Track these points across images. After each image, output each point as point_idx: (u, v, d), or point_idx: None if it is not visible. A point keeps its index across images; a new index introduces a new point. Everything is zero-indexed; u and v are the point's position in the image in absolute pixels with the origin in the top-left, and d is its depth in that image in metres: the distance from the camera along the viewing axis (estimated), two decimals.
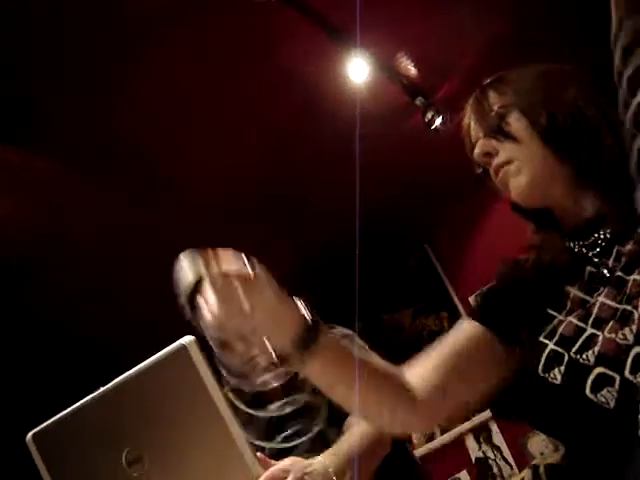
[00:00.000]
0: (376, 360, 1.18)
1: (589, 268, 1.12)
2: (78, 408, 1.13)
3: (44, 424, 1.16)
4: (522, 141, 1.16)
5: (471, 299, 4.37)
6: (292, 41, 3.01)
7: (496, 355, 1.19)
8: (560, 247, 1.18)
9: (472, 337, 1.20)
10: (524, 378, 1.12)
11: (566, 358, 1.03)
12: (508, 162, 1.18)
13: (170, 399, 1.08)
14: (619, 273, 1.05)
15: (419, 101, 3.66)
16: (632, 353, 0.96)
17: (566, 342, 1.05)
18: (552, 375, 1.04)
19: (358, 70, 3.22)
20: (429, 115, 3.67)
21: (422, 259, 4.97)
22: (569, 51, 3.52)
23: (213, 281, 0.96)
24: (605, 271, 1.08)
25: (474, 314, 1.24)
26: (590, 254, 1.13)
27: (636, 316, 0.97)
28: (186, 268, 0.98)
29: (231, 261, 1.00)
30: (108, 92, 2.73)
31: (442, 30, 3.30)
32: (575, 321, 1.06)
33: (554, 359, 1.04)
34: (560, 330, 1.07)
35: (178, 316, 1.03)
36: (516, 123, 1.17)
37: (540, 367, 1.06)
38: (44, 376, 3.80)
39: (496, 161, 1.20)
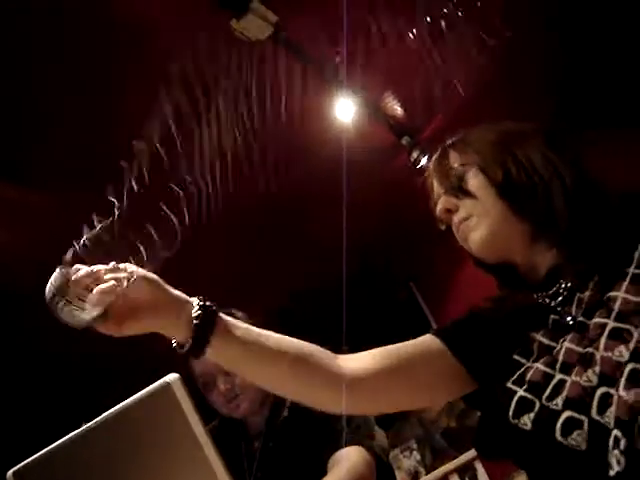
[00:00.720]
0: (290, 339, 1.16)
1: (553, 316, 1.15)
2: (61, 445, 1.12)
3: (25, 461, 1.14)
4: (480, 197, 1.22)
5: None
6: (280, 80, 3.05)
7: (447, 372, 1.22)
8: (524, 298, 1.22)
9: (427, 346, 1.24)
10: (495, 423, 1.13)
11: (537, 405, 1.05)
12: (467, 218, 1.24)
13: (154, 437, 1.08)
14: (581, 318, 1.09)
15: (405, 140, 3.71)
16: (597, 394, 0.98)
17: (536, 389, 1.07)
18: (522, 421, 1.06)
19: (345, 110, 3.26)
20: (415, 154, 3.71)
21: (408, 297, 4.97)
22: (551, 96, 3.61)
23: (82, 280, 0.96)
24: (568, 319, 1.11)
25: (435, 331, 1.28)
26: (553, 304, 1.16)
27: (598, 357, 1.00)
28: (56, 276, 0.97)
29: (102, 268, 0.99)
30: (108, 96, 2.74)
31: (428, 70, 3.35)
32: (542, 367, 1.09)
33: (525, 406, 1.07)
34: (528, 377, 1.10)
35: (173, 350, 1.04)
36: (474, 180, 1.23)
37: (510, 413, 1.08)
38: (43, 403, 3.75)
39: (456, 217, 1.26)
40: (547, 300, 1.17)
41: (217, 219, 3.60)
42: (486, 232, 1.21)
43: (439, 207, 1.29)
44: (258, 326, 1.14)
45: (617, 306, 1.03)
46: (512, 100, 3.51)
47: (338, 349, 1.21)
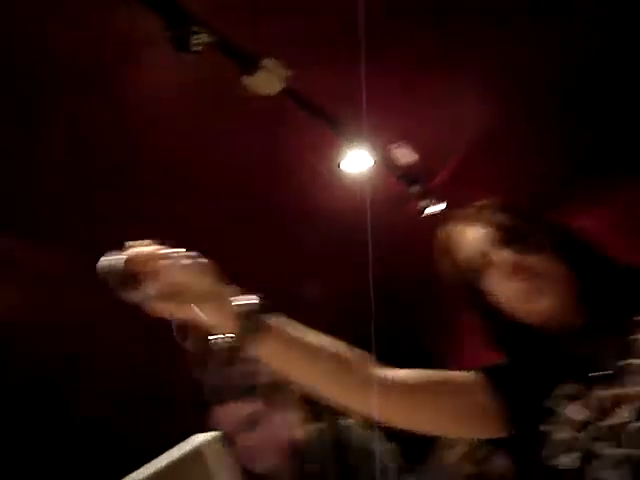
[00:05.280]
0: (331, 339, 1.17)
1: (585, 366, 1.16)
2: None
3: None
4: (549, 257, 1.21)
5: None
6: (291, 132, 3.07)
7: (480, 409, 1.21)
8: (558, 349, 1.22)
9: (468, 379, 1.24)
10: (526, 464, 1.17)
11: (577, 446, 1.07)
12: (535, 277, 1.19)
13: None
14: (617, 364, 1.11)
15: (414, 189, 3.71)
16: (631, 429, 1.01)
17: (575, 431, 1.08)
18: (561, 462, 1.07)
19: (357, 160, 3.26)
20: (424, 203, 3.71)
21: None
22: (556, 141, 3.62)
23: (144, 260, 0.99)
24: (601, 373, 1.12)
25: (482, 369, 1.27)
26: (585, 353, 1.17)
27: (632, 394, 1.03)
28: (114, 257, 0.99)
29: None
30: None
31: (436, 120, 3.38)
32: (582, 415, 1.10)
33: (562, 446, 1.09)
34: (566, 421, 1.11)
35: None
36: (542, 239, 1.23)
37: (547, 454, 1.10)
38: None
39: (522, 274, 1.20)
40: (580, 351, 1.18)
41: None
42: (555, 299, 1.19)
43: (505, 259, 1.22)
44: None
45: None
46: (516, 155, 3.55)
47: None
